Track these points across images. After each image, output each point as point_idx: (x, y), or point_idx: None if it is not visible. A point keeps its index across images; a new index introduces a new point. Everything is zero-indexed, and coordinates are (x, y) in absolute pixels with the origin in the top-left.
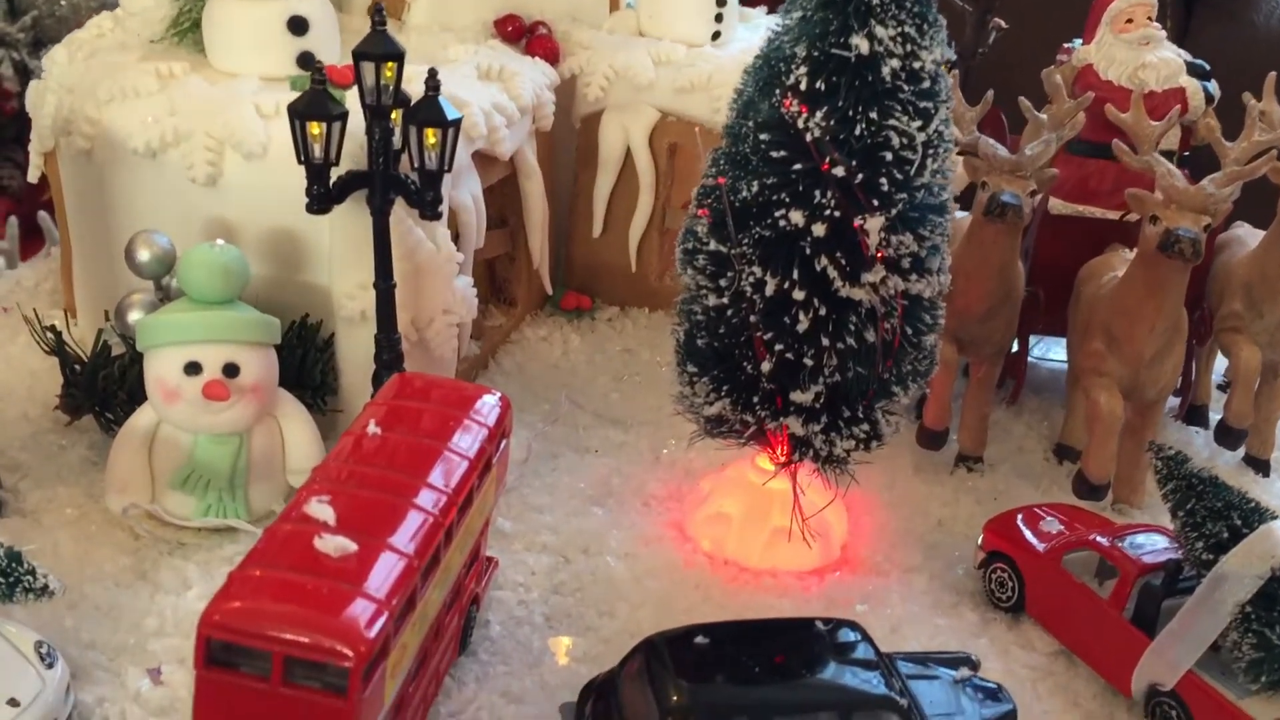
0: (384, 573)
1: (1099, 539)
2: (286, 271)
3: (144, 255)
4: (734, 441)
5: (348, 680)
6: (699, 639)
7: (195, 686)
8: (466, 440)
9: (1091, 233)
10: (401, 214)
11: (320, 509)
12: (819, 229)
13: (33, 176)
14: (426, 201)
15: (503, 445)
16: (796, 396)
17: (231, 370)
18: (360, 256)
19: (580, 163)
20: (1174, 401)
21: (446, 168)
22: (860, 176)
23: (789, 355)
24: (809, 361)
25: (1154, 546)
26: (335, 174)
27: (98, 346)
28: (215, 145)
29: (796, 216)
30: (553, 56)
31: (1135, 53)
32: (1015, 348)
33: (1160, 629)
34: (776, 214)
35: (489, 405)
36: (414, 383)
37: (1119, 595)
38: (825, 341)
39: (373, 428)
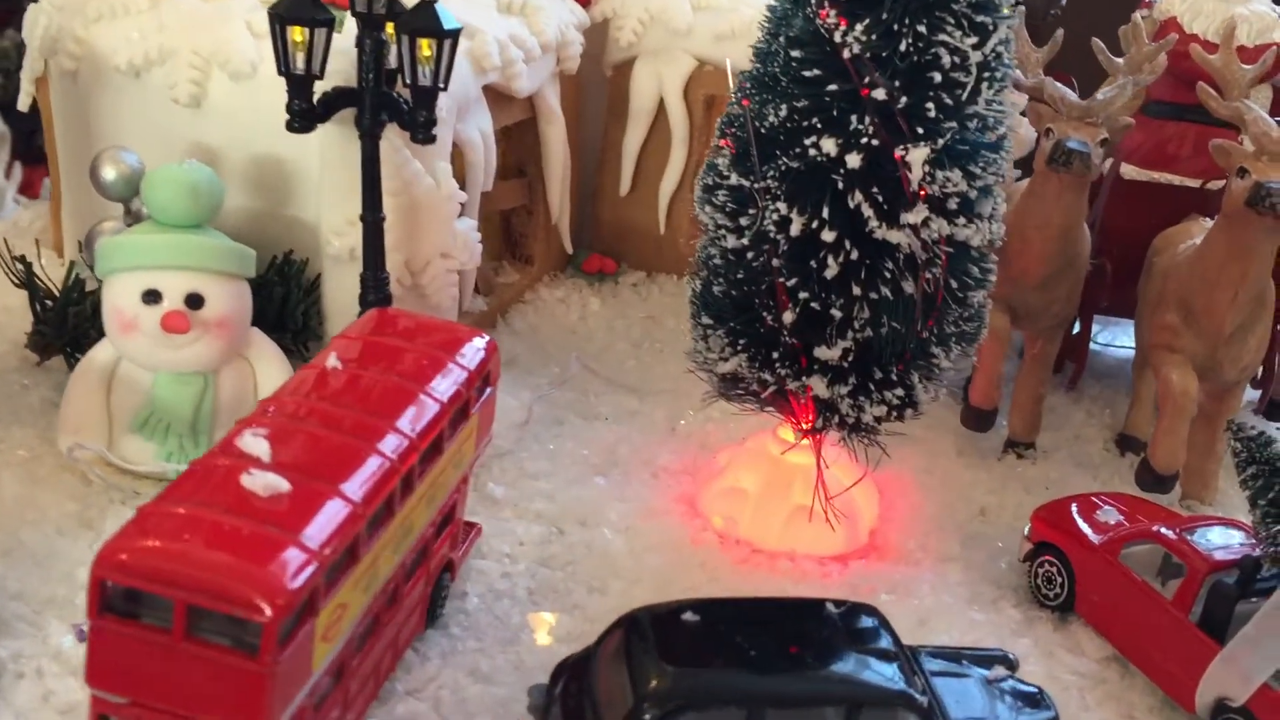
0: (320, 518)
1: (1164, 531)
2: (272, 204)
3: (109, 174)
4: (751, 407)
5: (260, 638)
6: (687, 615)
7: (89, 636)
8: (440, 382)
9: (1167, 201)
10: (398, 143)
11: (254, 443)
12: (853, 160)
13: (22, 104)
14: (419, 122)
15: (486, 394)
16: (821, 353)
17: (195, 301)
18: (352, 190)
19: (610, 114)
20: (1251, 395)
21: (442, 85)
22: (904, 100)
23: (814, 305)
24: (837, 313)
25: (1228, 542)
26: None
27: (69, 281)
28: (201, 64)
29: (828, 145)
30: None
31: (1225, 4)
32: (1077, 328)
33: (1232, 635)
34: (806, 142)
35: (473, 348)
36: (395, 319)
37: (1185, 595)
38: (856, 290)
39: (333, 361)
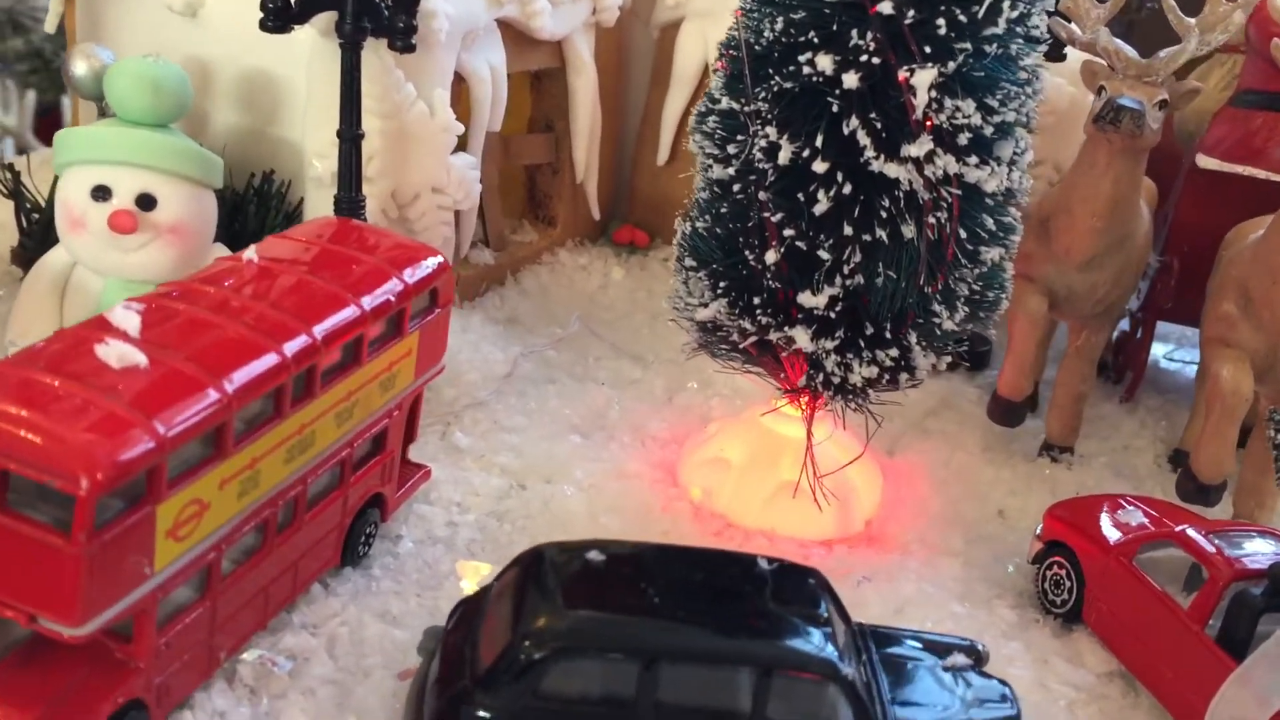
0: (173, 398)
1: (1188, 531)
2: (260, 123)
3: (80, 68)
4: (735, 365)
5: (74, 512)
6: (595, 555)
7: None
8: (370, 291)
9: (1249, 196)
10: (390, 63)
11: (124, 316)
12: (850, 79)
13: (49, 26)
14: (397, 28)
15: (433, 315)
16: (806, 299)
17: (146, 202)
18: (338, 110)
19: (654, 78)
20: None
21: None
22: (911, 14)
23: (800, 244)
24: (825, 255)
25: (1261, 551)
26: None
27: (54, 195)
28: None
29: (824, 62)
30: None
31: None
32: (1139, 336)
33: (1253, 651)
34: (800, 59)
35: (421, 265)
36: (356, 229)
37: (1202, 604)
38: (848, 230)
39: (250, 253)
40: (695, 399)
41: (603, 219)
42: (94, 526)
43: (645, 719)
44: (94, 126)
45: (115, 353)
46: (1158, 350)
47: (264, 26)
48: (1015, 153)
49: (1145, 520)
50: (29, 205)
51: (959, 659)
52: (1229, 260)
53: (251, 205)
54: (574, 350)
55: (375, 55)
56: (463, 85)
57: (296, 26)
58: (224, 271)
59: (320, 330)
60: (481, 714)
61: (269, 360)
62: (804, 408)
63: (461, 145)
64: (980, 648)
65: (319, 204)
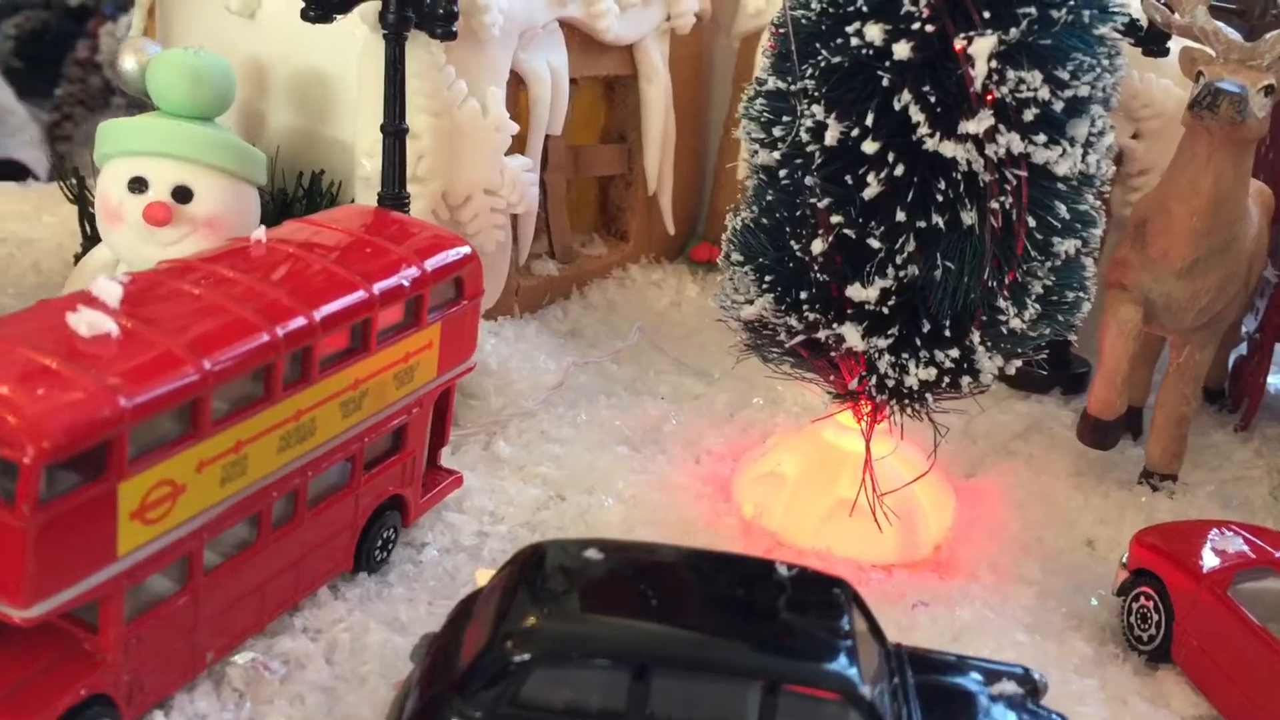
0: (141, 369)
1: None
2: (313, 123)
3: (129, 63)
4: (786, 370)
5: (17, 481)
6: (597, 555)
7: None
8: (382, 277)
9: None
10: (440, 59)
11: (106, 287)
12: (903, 50)
13: (134, 34)
14: (437, 15)
15: (458, 306)
16: (855, 292)
17: (182, 195)
18: None
19: (736, 89)
20: None
21: None
22: None
23: (849, 232)
24: (876, 244)
25: None
26: None
27: None
28: None
29: (874, 32)
30: None
31: None
32: (1256, 360)
33: None
34: (849, 30)
35: (444, 254)
36: (392, 219)
37: None
38: (901, 216)
39: (259, 233)
40: (759, 415)
41: (682, 236)
42: (39, 498)
43: None
44: (134, 118)
45: (85, 320)
46: None
47: (305, 16)
48: (1091, 133)
49: (1244, 547)
50: (92, 211)
51: (1008, 687)
52: None
53: (300, 205)
54: (636, 364)
55: (426, 51)
56: (522, 87)
57: (339, 16)
58: (229, 251)
59: (320, 312)
60: None
61: (257, 339)
62: (864, 418)
63: (520, 148)
64: (1037, 677)
65: (368, 204)
